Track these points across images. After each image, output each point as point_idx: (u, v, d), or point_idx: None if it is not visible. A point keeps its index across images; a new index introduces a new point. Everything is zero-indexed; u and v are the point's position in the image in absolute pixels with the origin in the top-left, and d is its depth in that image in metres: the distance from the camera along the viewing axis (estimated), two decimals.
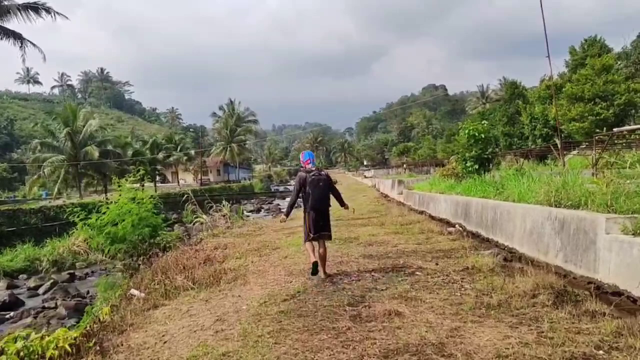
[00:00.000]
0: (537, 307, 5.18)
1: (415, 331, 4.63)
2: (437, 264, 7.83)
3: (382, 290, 6.32)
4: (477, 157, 15.42)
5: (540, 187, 9.10)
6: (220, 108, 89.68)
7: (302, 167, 7.73)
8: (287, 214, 7.89)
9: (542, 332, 4.37)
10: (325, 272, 7.44)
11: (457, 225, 12.30)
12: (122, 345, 5.16)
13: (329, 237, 7.72)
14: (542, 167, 16.58)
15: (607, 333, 4.24)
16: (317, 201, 7.35)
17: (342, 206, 8.06)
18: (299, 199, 7.69)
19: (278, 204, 50.81)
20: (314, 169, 7.54)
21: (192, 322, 5.73)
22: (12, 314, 15.04)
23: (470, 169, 15.48)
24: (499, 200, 10.57)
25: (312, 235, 7.40)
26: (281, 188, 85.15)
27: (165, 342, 5.10)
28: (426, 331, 4.60)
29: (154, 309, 6.70)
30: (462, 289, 6.15)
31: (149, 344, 5.11)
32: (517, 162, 21.41)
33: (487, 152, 15.53)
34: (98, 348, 5.04)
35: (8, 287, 18.54)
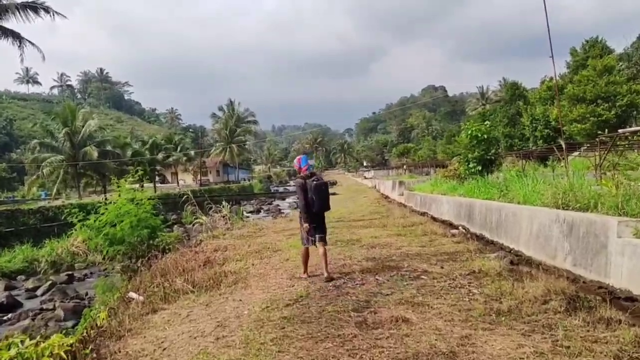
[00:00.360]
0: (549, 313, 5.01)
1: (425, 339, 4.45)
2: (442, 268, 7.66)
3: (387, 295, 6.14)
4: (480, 158, 15.29)
5: (545, 189, 8.96)
6: (220, 109, 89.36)
7: (298, 173, 7.77)
8: (307, 219, 7.49)
9: (557, 341, 4.20)
10: (327, 272, 7.36)
11: (460, 227, 12.15)
12: (119, 352, 4.99)
13: (325, 241, 7.71)
14: (544, 168, 16.44)
15: (626, 342, 4.06)
16: (320, 206, 7.46)
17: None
18: (296, 202, 7.62)
19: (278, 205, 50.51)
20: (310, 174, 7.62)
21: (192, 327, 5.56)
22: (9, 315, 14.85)
23: (473, 170, 15.34)
24: (504, 202, 10.41)
25: (311, 239, 7.53)
26: (281, 189, 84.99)
27: (164, 349, 4.94)
28: (436, 339, 4.42)
29: (153, 314, 6.54)
30: (470, 294, 5.98)
31: (147, 351, 4.95)
32: (518, 164, 21.27)
33: (490, 153, 15.39)
34: (95, 355, 4.88)
35: (6, 289, 18.35)
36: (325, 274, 7.29)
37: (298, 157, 7.91)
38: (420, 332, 4.65)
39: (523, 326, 4.68)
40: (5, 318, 14.60)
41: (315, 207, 7.37)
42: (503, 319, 4.94)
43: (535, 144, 31.47)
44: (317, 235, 7.53)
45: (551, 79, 40.06)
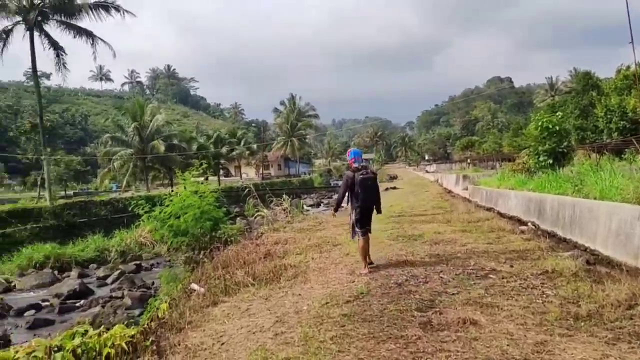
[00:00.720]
0: (636, 320, 4.53)
1: (495, 344, 4.13)
2: (512, 266, 7.21)
3: (453, 294, 5.82)
4: (551, 150, 14.49)
5: (626, 183, 8.30)
6: (282, 103, 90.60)
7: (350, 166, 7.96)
8: (336, 210, 8.42)
9: None
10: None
11: (529, 224, 11.53)
12: (179, 345, 4.98)
13: (370, 231, 7.85)
14: (620, 162, 15.41)
15: None
16: (366, 200, 7.57)
17: (377, 211, 7.99)
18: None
19: None
20: (360, 167, 7.65)
21: (251, 322, 5.49)
22: (82, 302, 15.55)
23: (543, 163, 14.57)
24: (578, 197, 9.77)
25: (360, 231, 7.58)
26: (340, 182, 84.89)
27: (222, 344, 4.88)
28: (508, 344, 4.09)
29: (213, 306, 6.55)
30: (544, 295, 5.55)
31: (206, 345, 4.91)
32: (589, 157, 20.11)
33: (562, 146, 14.55)
34: (155, 347, 4.89)
35: (79, 276, 19.24)
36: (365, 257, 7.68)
37: (348, 150, 8.15)
38: (490, 336, 4.33)
39: (606, 333, 4.26)
40: (77, 304, 15.30)
41: (360, 201, 7.47)
42: (582, 324, 4.52)
43: (609, 137, 29.73)
44: (365, 228, 7.62)
45: (628, 67, 37.71)
